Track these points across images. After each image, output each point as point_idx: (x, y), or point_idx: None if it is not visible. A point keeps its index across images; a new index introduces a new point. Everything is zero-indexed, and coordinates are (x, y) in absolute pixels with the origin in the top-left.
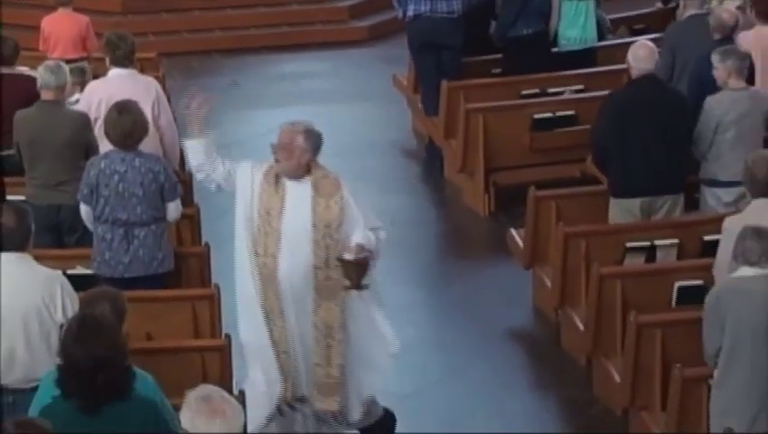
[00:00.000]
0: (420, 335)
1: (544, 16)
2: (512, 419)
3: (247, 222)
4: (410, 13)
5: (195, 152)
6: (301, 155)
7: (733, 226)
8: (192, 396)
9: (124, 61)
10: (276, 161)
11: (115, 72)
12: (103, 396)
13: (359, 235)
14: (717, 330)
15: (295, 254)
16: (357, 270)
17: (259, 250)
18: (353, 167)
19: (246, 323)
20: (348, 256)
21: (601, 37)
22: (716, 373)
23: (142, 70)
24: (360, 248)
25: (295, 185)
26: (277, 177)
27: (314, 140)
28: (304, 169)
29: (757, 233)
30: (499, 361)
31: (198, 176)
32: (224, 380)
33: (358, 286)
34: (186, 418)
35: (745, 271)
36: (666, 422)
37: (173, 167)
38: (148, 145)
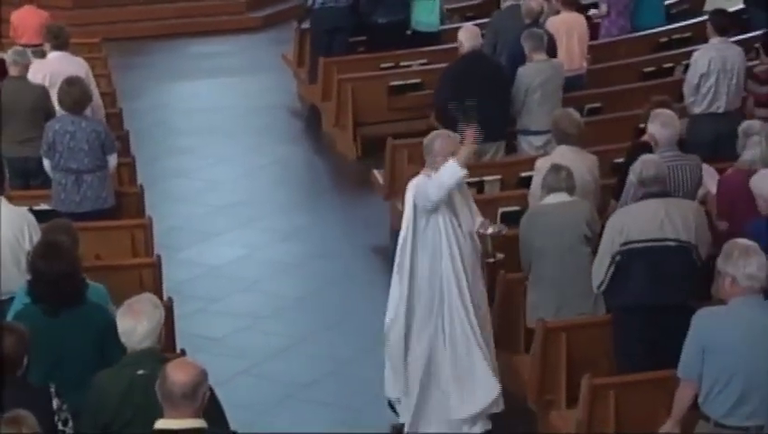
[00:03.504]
0: (308, 252)
1: (399, 10)
2: (379, 312)
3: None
4: (317, 5)
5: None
6: None
7: (542, 165)
8: (125, 302)
9: (62, 46)
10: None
11: (54, 54)
12: (64, 301)
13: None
14: (529, 244)
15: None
16: (492, 241)
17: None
18: (254, 123)
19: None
20: (487, 229)
21: (441, 23)
22: (530, 277)
23: (89, 53)
24: (501, 226)
25: None
26: None
27: None
28: None
29: (557, 169)
30: (366, 270)
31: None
32: (156, 289)
33: (493, 255)
34: (118, 318)
35: (549, 199)
36: (496, 313)
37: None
38: None
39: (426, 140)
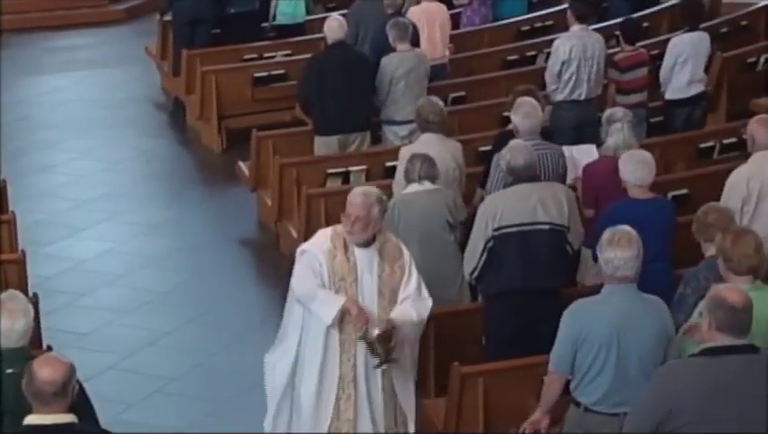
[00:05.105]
0: (174, 245)
1: (248, 1)
2: (246, 303)
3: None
4: None
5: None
6: (375, 225)
7: (405, 154)
8: None
9: None
10: (349, 232)
11: None
12: None
13: (404, 305)
14: (394, 232)
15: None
16: (381, 344)
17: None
18: (118, 117)
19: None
20: (371, 332)
21: (307, 13)
22: None
23: None
24: (388, 322)
25: (362, 252)
26: (345, 243)
27: (384, 207)
28: (373, 236)
29: (411, 160)
30: (233, 262)
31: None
32: (21, 285)
33: (387, 360)
34: None
35: (411, 188)
36: None
37: None
38: None
39: (359, 206)
